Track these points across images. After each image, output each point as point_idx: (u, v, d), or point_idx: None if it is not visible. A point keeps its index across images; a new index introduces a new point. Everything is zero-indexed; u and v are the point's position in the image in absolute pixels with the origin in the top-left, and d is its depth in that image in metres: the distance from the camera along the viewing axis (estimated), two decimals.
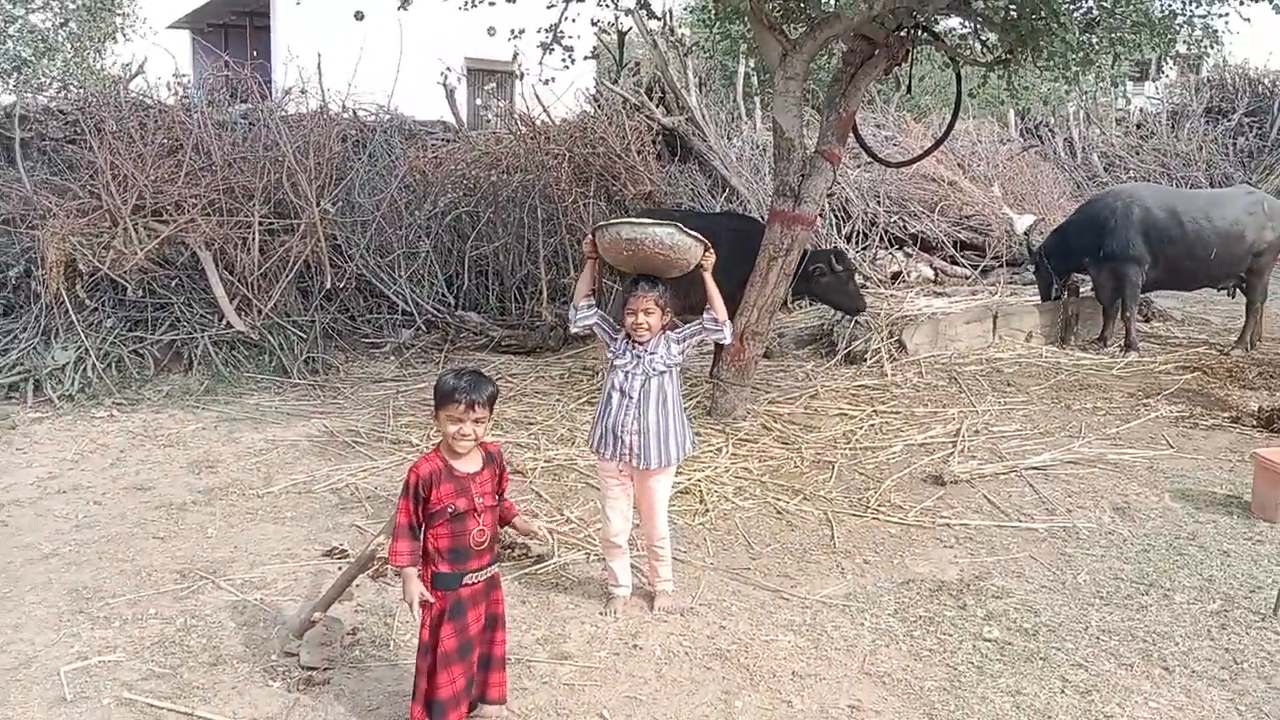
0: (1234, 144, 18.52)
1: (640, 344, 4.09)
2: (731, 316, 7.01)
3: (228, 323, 7.92)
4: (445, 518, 3.25)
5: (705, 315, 4.22)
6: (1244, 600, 4.43)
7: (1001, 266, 12.26)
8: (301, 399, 7.42)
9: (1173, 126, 19.06)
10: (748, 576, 4.67)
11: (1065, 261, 9.49)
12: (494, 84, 18.44)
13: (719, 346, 7.07)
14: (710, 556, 4.87)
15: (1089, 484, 5.83)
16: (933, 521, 5.29)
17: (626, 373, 4.09)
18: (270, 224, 8.44)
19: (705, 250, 4.19)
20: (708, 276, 4.22)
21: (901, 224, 12.42)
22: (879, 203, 12.42)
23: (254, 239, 8.19)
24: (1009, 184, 14.10)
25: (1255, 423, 6.87)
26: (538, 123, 11.23)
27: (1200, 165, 17.68)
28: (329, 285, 8.54)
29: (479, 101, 18.80)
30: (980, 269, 12.31)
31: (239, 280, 8.13)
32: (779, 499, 5.56)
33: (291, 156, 8.67)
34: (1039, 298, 9.89)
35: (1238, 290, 9.28)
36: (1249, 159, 18.14)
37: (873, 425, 6.86)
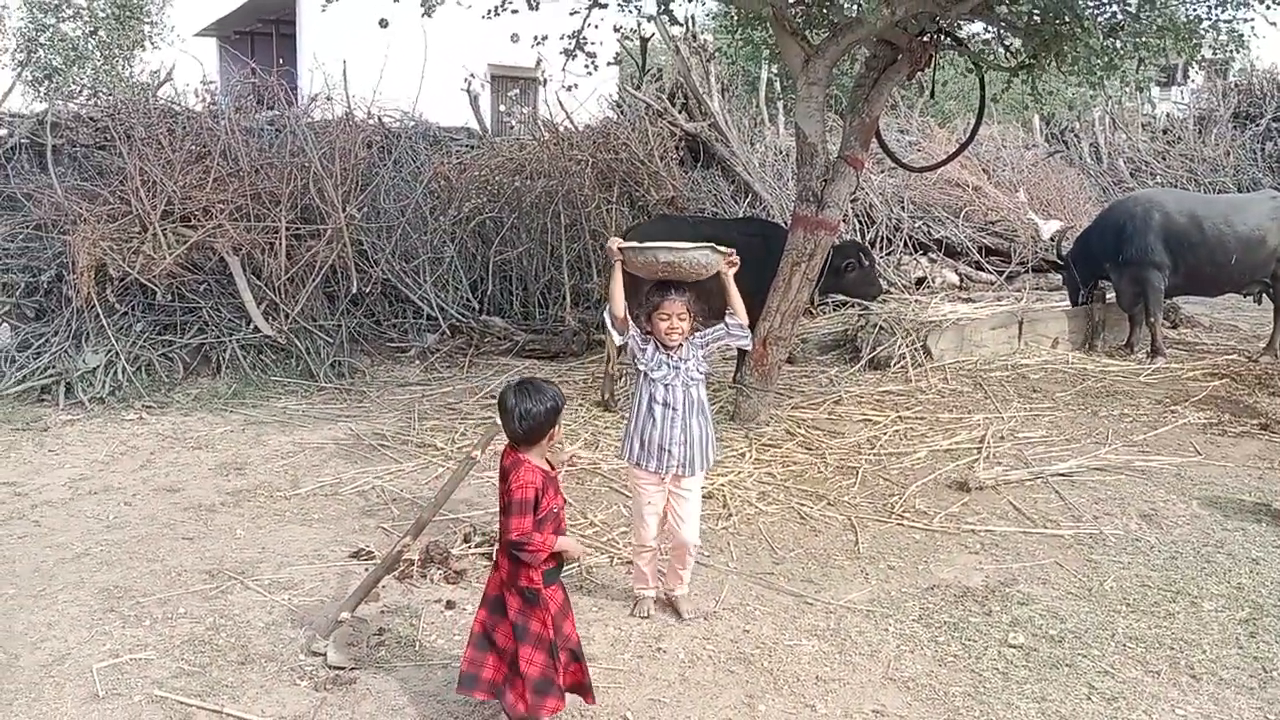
0: (1262, 149, 18.36)
1: (670, 350, 4.05)
2: (751, 323, 7.05)
3: (255, 327, 8.01)
4: (553, 518, 3.36)
5: (728, 320, 4.17)
6: (1273, 608, 4.39)
7: (1027, 272, 12.20)
8: (328, 402, 7.49)
9: (1200, 132, 18.92)
10: (771, 581, 4.67)
11: (1088, 267, 9.44)
12: (517, 90, 18.54)
13: (742, 351, 7.10)
14: (734, 561, 4.87)
15: (1116, 491, 5.79)
16: (958, 527, 5.28)
17: (667, 385, 4.04)
18: (297, 229, 8.53)
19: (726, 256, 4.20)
20: (729, 281, 4.20)
21: (926, 229, 12.38)
22: (903, 208, 12.39)
23: (281, 244, 8.27)
24: (1034, 189, 14.04)
25: None
26: (561, 129, 11.29)
27: (1228, 170, 17.53)
28: (355, 290, 8.62)
29: (502, 108, 18.90)
30: (1006, 275, 12.26)
31: (266, 285, 8.21)
32: (802, 504, 5.56)
33: (318, 162, 8.76)
34: (1069, 303, 9.83)
35: (1264, 296, 9.19)
36: (1277, 164, 17.97)
37: (897, 431, 6.85)
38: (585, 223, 9.89)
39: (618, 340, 4.16)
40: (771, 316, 6.84)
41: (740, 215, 10.89)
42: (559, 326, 9.18)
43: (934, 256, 12.23)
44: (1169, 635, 4.16)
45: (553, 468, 3.44)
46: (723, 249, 4.14)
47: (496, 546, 3.47)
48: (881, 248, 11.86)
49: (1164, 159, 18.01)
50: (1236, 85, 20.40)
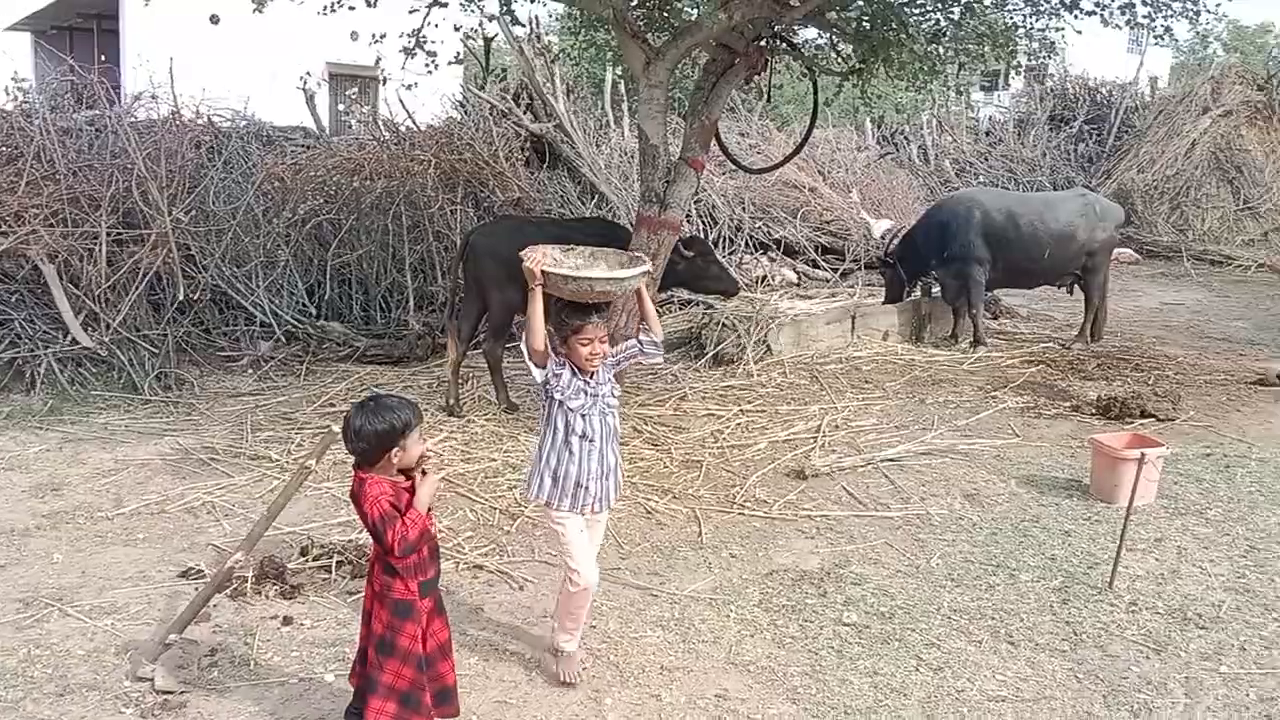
0: (1075, 150, 19.64)
1: (588, 376, 3.66)
2: None
3: (73, 339, 7.54)
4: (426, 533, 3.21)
5: (642, 338, 3.78)
6: (1083, 576, 4.71)
7: (860, 269, 12.69)
8: (153, 416, 7.11)
9: (1019, 134, 20.11)
10: (618, 576, 4.71)
11: (916, 264, 9.90)
12: (356, 89, 18.09)
13: None
14: None
15: (941, 473, 6.10)
16: (795, 514, 5.45)
17: (584, 415, 3.65)
18: (119, 235, 8.09)
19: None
20: (647, 298, 3.84)
21: (765, 229, 12.72)
22: (744, 209, 12.70)
23: (101, 250, 7.82)
24: (866, 190, 14.60)
25: (1094, 411, 7.30)
26: (402, 128, 11.09)
27: (1045, 170, 18.69)
28: (182, 297, 8.22)
29: (341, 107, 18.44)
30: (840, 272, 12.72)
31: (85, 294, 7.75)
32: (649, 499, 5.63)
33: (141, 164, 8.33)
34: (886, 299, 10.25)
35: (1076, 287, 9.84)
36: (1089, 164, 19.25)
37: (739, 424, 7.02)
38: (428, 224, 9.73)
39: (538, 376, 3.66)
40: (617, 315, 6.89)
41: (585, 215, 10.93)
42: (402, 331, 9.00)
43: (774, 255, 12.58)
44: (990, 606, 4.41)
45: (408, 477, 3.25)
46: (646, 264, 3.93)
47: (369, 560, 3.34)
48: (724, 247, 12.12)
49: (986, 160, 19.07)
50: (1052, 90, 21.77)
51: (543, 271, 3.58)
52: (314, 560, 4.70)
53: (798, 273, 12.51)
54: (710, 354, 8.60)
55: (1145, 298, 12.52)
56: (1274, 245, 15.28)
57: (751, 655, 4.01)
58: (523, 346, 3.73)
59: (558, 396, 3.64)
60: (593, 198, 11.62)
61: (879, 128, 19.55)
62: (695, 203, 11.86)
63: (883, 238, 11.68)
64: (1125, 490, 5.35)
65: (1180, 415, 7.14)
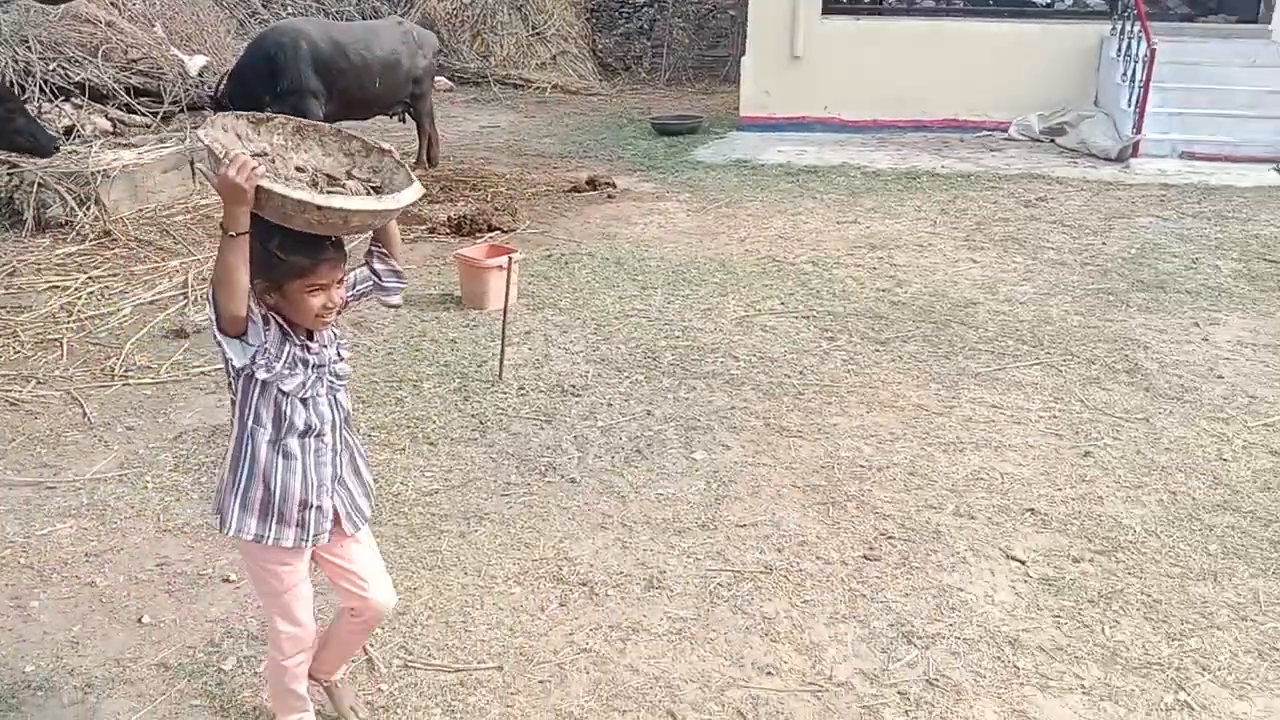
0: None
1: (307, 339, 2.36)
2: None
3: None
4: None
5: (379, 265, 2.50)
6: (475, 374, 5.23)
7: (183, 111, 11.75)
8: None
9: None
10: None
11: (248, 102, 9.47)
12: None
13: None
14: None
15: None
16: (187, 373, 5.19)
17: (306, 399, 2.36)
18: None
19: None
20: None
21: (63, 72, 11.07)
22: (29, 49, 10.87)
23: None
24: (171, 24, 13.35)
25: (448, 230, 7.87)
26: None
27: (351, 0, 18.70)
28: None
29: None
30: (160, 116, 11.64)
31: None
32: (8, 390, 4.92)
33: None
34: None
35: (408, 115, 10.28)
36: None
37: (92, 293, 6.32)
38: None
39: (238, 357, 2.24)
40: None
41: None
42: None
43: (79, 102, 11.05)
44: (404, 417, 4.74)
45: None
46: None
47: None
48: None
49: None
50: None
51: (259, 189, 2.06)
52: None
53: (111, 120, 11.18)
54: (31, 220, 7.47)
55: (466, 123, 13.52)
56: (562, 67, 17.34)
57: (184, 518, 3.86)
58: (208, 311, 2.24)
59: (263, 375, 2.29)
60: None
61: None
62: None
63: (201, 75, 10.96)
64: (494, 296, 6.00)
65: (520, 225, 8.04)
